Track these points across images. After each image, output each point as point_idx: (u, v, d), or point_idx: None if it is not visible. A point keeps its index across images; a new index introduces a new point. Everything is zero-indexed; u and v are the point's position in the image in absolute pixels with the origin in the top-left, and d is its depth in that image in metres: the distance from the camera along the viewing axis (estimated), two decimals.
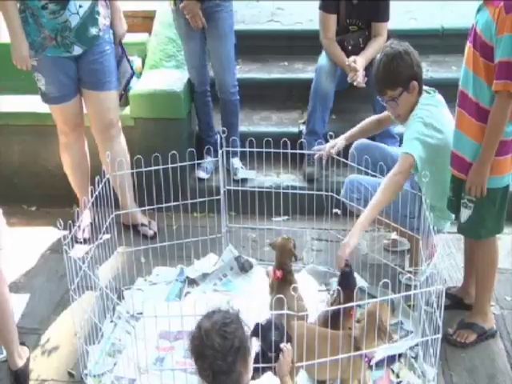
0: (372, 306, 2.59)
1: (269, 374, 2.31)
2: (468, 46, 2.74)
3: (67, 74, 3.50)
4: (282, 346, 2.33)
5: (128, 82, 3.83)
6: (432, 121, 3.05)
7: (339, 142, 3.46)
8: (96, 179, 3.15)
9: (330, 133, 3.50)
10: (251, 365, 2.10)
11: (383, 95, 3.14)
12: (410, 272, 3.34)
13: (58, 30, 3.36)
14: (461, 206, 2.91)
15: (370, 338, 2.53)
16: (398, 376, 2.83)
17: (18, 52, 3.39)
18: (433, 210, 2.93)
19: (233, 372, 2.01)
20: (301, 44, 4.82)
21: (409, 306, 3.13)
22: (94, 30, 3.43)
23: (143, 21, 4.85)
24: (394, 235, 3.70)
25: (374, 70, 3.14)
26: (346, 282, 2.87)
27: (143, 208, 3.69)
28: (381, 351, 2.81)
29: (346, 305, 2.55)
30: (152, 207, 3.51)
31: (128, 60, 3.78)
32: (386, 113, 3.37)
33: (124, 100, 3.99)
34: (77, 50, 3.44)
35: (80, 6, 3.34)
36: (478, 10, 2.69)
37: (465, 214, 2.89)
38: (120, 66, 3.70)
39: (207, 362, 2.01)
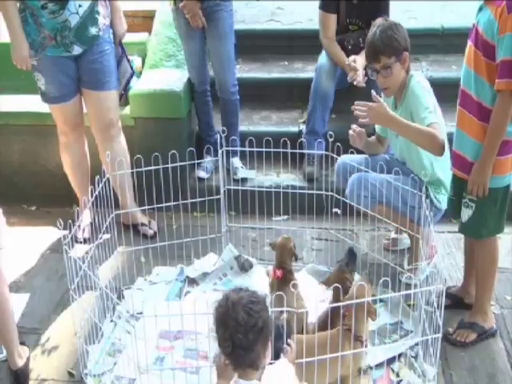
0: (356, 290, 2.60)
1: (284, 360, 2.31)
2: (469, 45, 2.74)
3: (67, 73, 3.50)
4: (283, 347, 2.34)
5: (128, 82, 3.83)
6: (430, 89, 3.20)
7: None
8: (96, 179, 3.15)
9: (330, 132, 3.49)
10: (270, 350, 2.12)
11: (377, 62, 3.16)
12: (409, 270, 3.36)
13: (57, 29, 3.36)
14: (462, 206, 2.91)
15: (360, 321, 2.56)
16: (397, 375, 2.83)
17: (18, 52, 3.39)
18: (429, 186, 3.15)
19: (252, 351, 2.04)
20: (301, 43, 4.82)
21: (409, 305, 3.13)
22: (93, 30, 3.43)
23: (143, 20, 4.85)
24: (393, 234, 3.71)
25: (369, 37, 3.17)
26: (351, 258, 3.01)
27: (143, 207, 3.69)
28: (381, 353, 2.82)
29: (345, 303, 2.54)
30: (152, 207, 3.51)
31: (128, 60, 3.78)
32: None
33: (124, 100, 3.99)
34: (76, 50, 3.44)
35: (79, 6, 3.34)
36: (479, 10, 2.69)
37: (466, 213, 2.89)
38: (120, 66, 3.70)
39: (228, 333, 2.03)
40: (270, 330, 2.10)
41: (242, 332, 2.01)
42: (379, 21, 3.20)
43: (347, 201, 3.38)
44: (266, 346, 2.08)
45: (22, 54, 3.39)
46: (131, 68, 3.81)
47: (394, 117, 3.04)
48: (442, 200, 3.28)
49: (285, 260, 3.10)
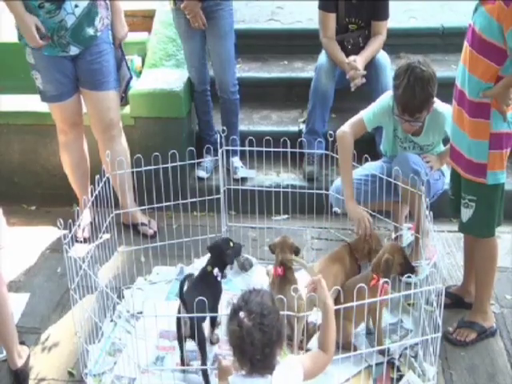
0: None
1: (294, 355, 2.33)
2: (465, 45, 2.76)
3: (64, 73, 3.49)
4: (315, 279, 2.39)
5: (127, 85, 3.81)
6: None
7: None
8: (96, 178, 3.15)
9: (330, 132, 3.50)
10: (284, 341, 2.16)
11: (410, 117, 3.18)
12: None
13: (54, 29, 3.34)
14: (461, 207, 2.91)
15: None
16: (398, 369, 2.81)
17: (28, 32, 3.30)
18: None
19: (269, 360, 2.08)
20: (300, 43, 4.82)
21: (409, 304, 3.13)
22: (90, 31, 3.41)
23: (143, 20, 4.85)
24: (393, 234, 3.71)
25: (408, 94, 3.09)
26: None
27: (143, 207, 3.69)
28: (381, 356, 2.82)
29: (346, 304, 2.54)
30: (152, 206, 3.51)
31: (127, 64, 3.74)
32: (353, 125, 3.38)
33: (124, 101, 3.98)
34: (73, 50, 3.42)
35: (76, 6, 3.32)
36: (475, 10, 2.70)
37: (467, 213, 2.90)
38: (120, 70, 3.67)
39: (247, 356, 2.07)
40: (283, 331, 2.12)
41: (259, 352, 2.04)
42: (415, 70, 3.09)
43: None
44: (281, 346, 2.11)
45: (31, 31, 3.29)
46: (130, 72, 3.76)
47: (444, 158, 3.35)
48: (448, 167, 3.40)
49: (286, 256, 3.11)
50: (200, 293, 2.69)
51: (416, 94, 3.08)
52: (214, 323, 2.99)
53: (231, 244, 3.10)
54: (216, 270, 3.00)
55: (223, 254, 3.04)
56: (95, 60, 3.49)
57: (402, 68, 3.14)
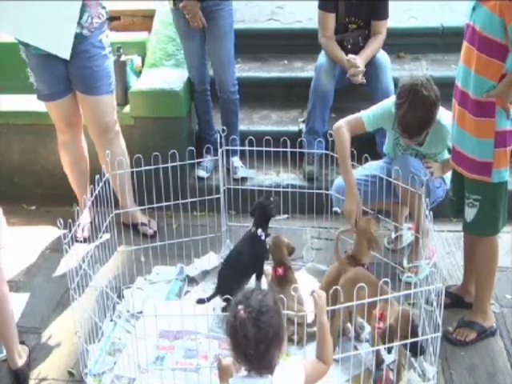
0: (362, 222, 3.17)
1: (297, 357, 2.32)
2: (465, 45, 2.75)
3: (54, 73, 3.44)
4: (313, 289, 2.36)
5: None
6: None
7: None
8: (96, 178, 3.15)
9: (330, 131, 3.50)
10: (285, 345, 2.14)
11: (410, 138, 3.19)
12: (409, 269, 3.36)
13: None
14: (465, 206, 2.91)
15: (362, 247, 3.08)
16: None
17: None
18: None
19: (265, 358, 2.07)
20: (300, 43, 4.82)
21: (409, 304, 3.13)
22: (76, 29, 3.31)
23: (143, 20, 4.86)
24: (393, 234, 3.71)
25: (409, 117, 3.08)
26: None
27: (143, 207, 3.69)
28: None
29: (347, 303, 2.54)
30: (152, 206, 3.51)
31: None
32: (350, 121, 3.37)
33: (123, 97, 3.98)
34: None
35: None
36: (473, 9, 2.70)
37: (471, 213, 2.90)
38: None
39: (240, 349, 2.06)
40: (283, 333, 2.11)
41: (253, 347, 2.03)
42: (419, 93, 3.04)
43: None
44: (279, 347, 2.09)
45: None
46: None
47: (447, 167, 3.27)
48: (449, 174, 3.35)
49: (283, 256, 3.11)
50: (244, 253, 3.13)
51: (417, 117, 3.07)
52: (259, 276, 3.22)
53: (271, 199, 3.32)
54: (259, 231, 3.19)
55: (267, 209, 3.24)
56: (85, 65, 3.42)
57: (405, 88, 3.10)
